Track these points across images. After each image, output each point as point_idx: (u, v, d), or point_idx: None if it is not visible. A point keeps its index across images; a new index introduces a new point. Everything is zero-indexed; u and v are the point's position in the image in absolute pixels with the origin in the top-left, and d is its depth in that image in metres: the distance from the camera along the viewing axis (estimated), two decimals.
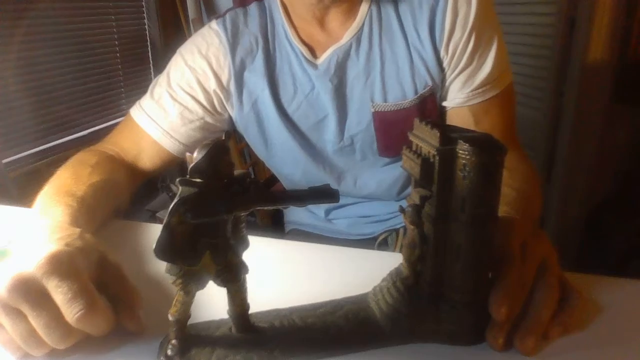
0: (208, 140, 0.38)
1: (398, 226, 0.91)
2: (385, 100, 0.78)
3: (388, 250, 0.91)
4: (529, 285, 0.44)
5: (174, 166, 0.86)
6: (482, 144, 0.40)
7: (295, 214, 1.03)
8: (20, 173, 1.70)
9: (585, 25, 1.68)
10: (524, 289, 0.44)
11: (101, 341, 0.42)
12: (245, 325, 0.43)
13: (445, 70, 0.78)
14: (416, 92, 0.77)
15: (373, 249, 0.91)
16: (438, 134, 0.41)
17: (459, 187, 0.41)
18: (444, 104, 0.81)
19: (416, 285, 0.45)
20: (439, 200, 0.42)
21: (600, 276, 0.54)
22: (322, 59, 0.78)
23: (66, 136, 1.97)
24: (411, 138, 0.46)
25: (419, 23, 0.75)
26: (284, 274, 0.57)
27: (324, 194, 0.40)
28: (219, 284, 0.41)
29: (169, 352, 0.41)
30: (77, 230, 0.50)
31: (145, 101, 0.83)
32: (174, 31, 2.39)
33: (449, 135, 0.41)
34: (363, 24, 0.78)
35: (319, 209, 0.96)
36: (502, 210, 0.49)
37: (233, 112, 0.83)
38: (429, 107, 0.79)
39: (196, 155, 0.37)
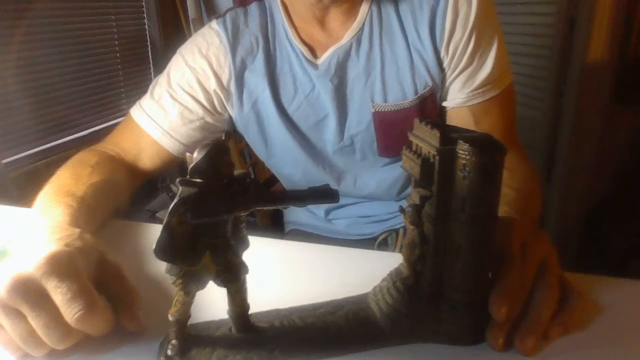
0: (208, 140, 0.38)
1: (398, 226, 0.91)
2: (385, 101, 0.78)
3: (388, 250, 0.91)
4: (529, 285, 0.44)
5: (174, 166, 0.86)
6: (482, 144, 0.40)
7: (295, 214, 1.03)
8: (20, 173, 1.70)
9: (585, 25, 1.68)
10: (524, 289, 0.44)
11: (101, 341, 0.42)
12: (245, 325, 0.43)
13: (446, 70, 0.78)
14: (416, 92, 0.77)
15: (373, 249, 0.91)
16: (438, 134, 0.41)
17: (459, 187, 0.41)
18: (444, 104, 0.81)
19: (416, 285, 0.45)
20: (439, 200, 0.42)
21: (600, 276, 0.54)
22: (323, 59, 0.78)
23: (66, 136, 1.97)
24: (411, 138, 0.46)
25: (419, 23, 0.75)
26: (284, 274, 0.57)
27: (324, 194, 0.39)
28: (219, 284, 0.41)
29: (169, 352, 0.41)
30: (77, 230, 0.50)
31: (146, 101, 0.83)
32: (174, 31, 2.39)
33: (449, 135, 0.41)
34: (363, 24, 0.78)
35: (319, 209, 0.96)
36: (502, 210, 0.49)
37: (233, 112, 0.83)
38: (429, 107, 0.79)
39: (196, 155, 0.37)
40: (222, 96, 0.81)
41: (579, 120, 1.77)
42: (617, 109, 1.75)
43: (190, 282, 0.39)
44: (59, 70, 1.90)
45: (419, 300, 0.45)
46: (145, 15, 2.35)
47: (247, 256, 0.41)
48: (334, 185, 0.69)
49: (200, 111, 0.81)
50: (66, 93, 1.95)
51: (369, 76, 0.78)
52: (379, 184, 0.87)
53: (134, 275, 0.47)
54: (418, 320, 0.44)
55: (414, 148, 0.45)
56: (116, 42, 2.19)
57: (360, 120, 0.80)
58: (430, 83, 0.77)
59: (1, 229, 0.65)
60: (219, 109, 0.82)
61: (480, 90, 0.78)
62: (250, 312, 0.43)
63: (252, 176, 1.79)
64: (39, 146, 1.85)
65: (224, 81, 0.80)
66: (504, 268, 0.43)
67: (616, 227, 1.72)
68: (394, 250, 0.91)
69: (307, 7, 0.76)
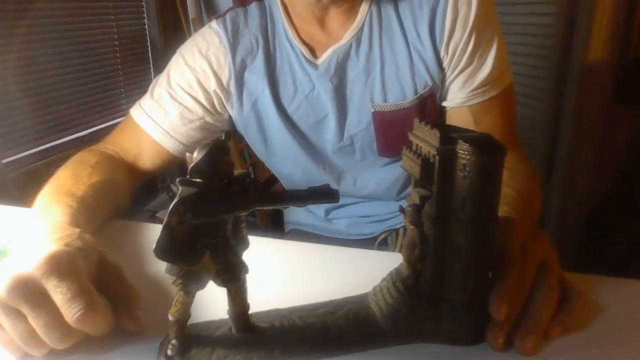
0: (208, 140, 0.37)
1: (398, 226, 0.91)
2: (385, 100, 0.78)
3: (388, 250, 0.91)
4: (529, 285, 0.44)
5: (174, 166, 0.86)
6: (482, 144, 0.40)
7: (295, 214, 1.03)
8: (20, 173, 1.70)
9: (585, 25, 1.68)
10: (524, 289, 0.44)
11: (101, 341, 0.42)
12: (245, 325, 0.43)
13: (445, 70, 0.78)
14: (416, 92, 0.77)
15: (373, 249, 0.91)
16: (438, 134, 0.41)
17: (459, 187, 0.41)
18: (444, 104, 0.81)
19: (416, 285, 0.45)
20: (439, 200, 0.42)
21: (600, 276, 0.53)
22: (322, 59, 0.78)
23: (66, 136, 1.97)
24: (411, 138, 0.46)
25: (419, 23, 0.75)
26: (284, 274, 0.57)
27: (324, 194, 0.39)
28: (219, 284, 0.41)
29: (169, 352, 0.41)
30: (77, 230, 0.50)
31: (145, 101, 0.83)
32: (174, 31, 2.39)
33: (449, 135, 0.41)
34: (363, 24, 0.78)
35: (319, 209, 0.96)
36: (502, 210, 0.49)
37: (233, 112, 0.83)
38: (429, 107, 0.79)
39: (196, 155, 0.37)
40: (222, 96, 0.81)
41: (579, 120, 1.77)
42: (617, 109, 1.75)
43: (190, 282, 0.39)
44: (59, 70, 1.90)
45: (419, 300, 0.45)
46: (145, 15, 2.35)
47: (247, 256, 0.41)
48: (334, 185, 0.69)
49: (200, 111, 0.81)
50: (66, 93, 1.95)
51: (368, 76, 0.78)
52: (379, 184, 0.87)
53: (134, 275, 0.47)
54: (418, 320, 0.44)
55: (414, 148, 0.45)
56: (116, 42, 2.19)
57: (360, 120, 0.80)
58: (430, 83, 0.77)
59: (1, 229, 0.65)
60: (218, 109, 0.82)
61: (480, 90, 0.78)
62: (250, 312, 0.43)
63: (252, 176, 1.79)
64: (39, 146, 1.85)
65: (224, 81, 0.80)
66: (504, 268, 0.43)
67: (616, 227, 1.72)
68: (394, 250, 0.91)
69: (307, 7, 0.76)
